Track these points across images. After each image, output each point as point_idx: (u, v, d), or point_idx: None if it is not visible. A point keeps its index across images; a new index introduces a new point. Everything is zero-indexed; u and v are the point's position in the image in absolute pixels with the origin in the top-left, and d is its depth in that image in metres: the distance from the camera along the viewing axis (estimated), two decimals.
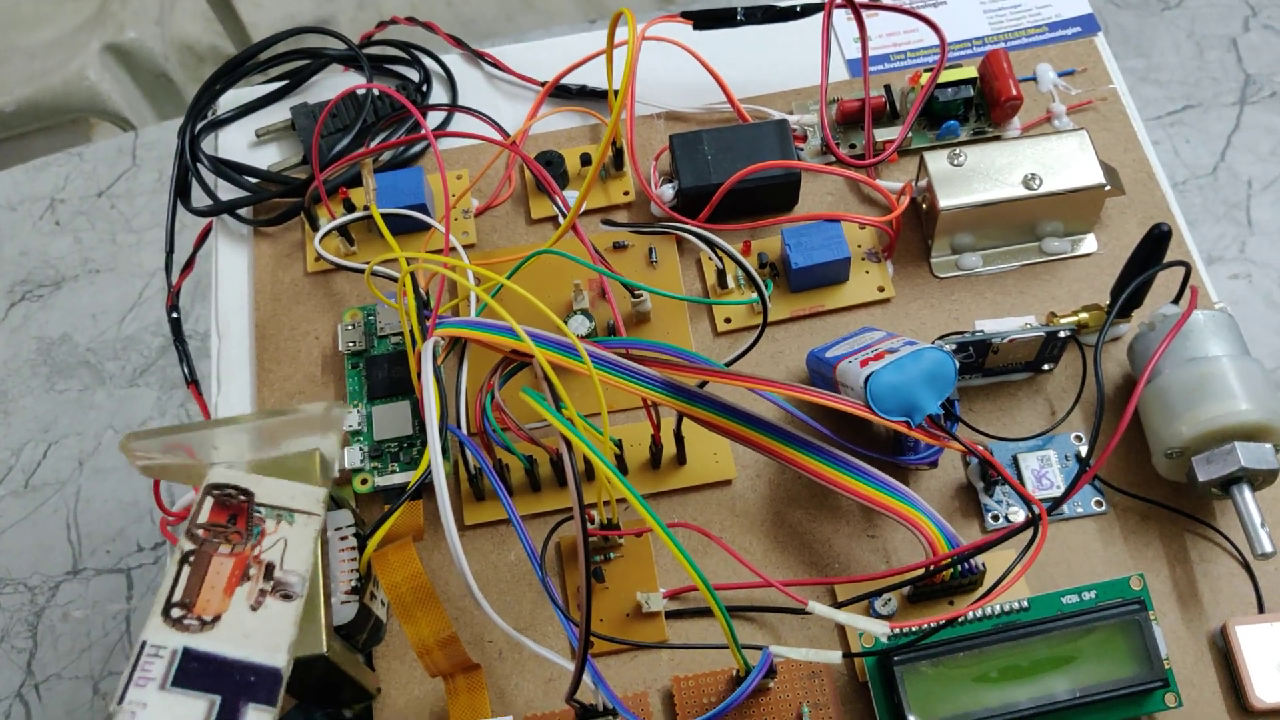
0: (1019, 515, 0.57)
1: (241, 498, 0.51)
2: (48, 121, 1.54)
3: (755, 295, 0.63)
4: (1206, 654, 0.54)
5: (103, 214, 1.32)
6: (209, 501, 0.51)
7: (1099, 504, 0.57)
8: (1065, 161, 0.61)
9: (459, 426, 0.57)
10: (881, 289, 0.63)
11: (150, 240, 1.29)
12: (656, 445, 0.58)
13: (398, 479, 0.59)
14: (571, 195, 0.67)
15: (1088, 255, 0.64)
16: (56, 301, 1.27)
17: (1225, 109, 1.31)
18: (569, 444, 0.46)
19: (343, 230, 0.65)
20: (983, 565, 0.54)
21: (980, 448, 0.54)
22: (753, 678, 0.47)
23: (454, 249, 0.64)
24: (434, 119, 0.71)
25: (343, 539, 0.53)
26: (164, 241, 0.68)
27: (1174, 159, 1.28)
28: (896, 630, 0.48)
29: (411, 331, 0.55)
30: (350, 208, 0.66)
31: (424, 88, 0.72)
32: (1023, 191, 0.61)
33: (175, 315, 0.69)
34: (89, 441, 1.19)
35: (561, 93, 0.71)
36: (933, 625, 0.50)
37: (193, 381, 0.68)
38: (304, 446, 0.53)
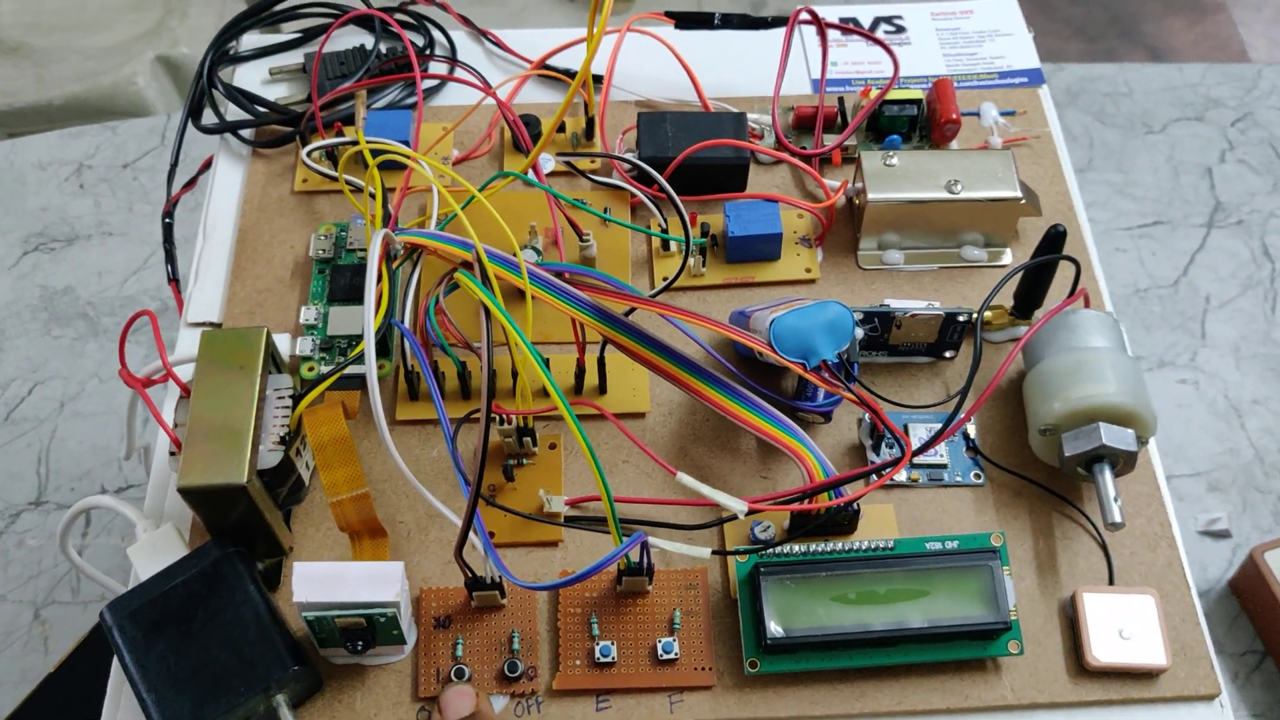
0: (902, 477, 0.62)
1: None
2: (91, 120, 1.64)
3: (692, 261, 0.68)
4: (1055, 618, 0.58)
5: (125, 184, 1.40)
6: None
7: (977, 476, 0.62)
8: (989, 174, 0.67)
9: (403, 323, 0.63)
10: (809, 270, 0.69)
11: None
12: (580, 368, 0.63)
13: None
14: (545, 159, 0.73)
15: (1003, 267, 0.69)
16: (67, 256, 1.33)
17: (1193, 229, 1.38)
18: (488, 312, 0.51)
19: (331, 157, 0.72)
20: (857, 507, 0.59)
21: (870, 398, 0.59)
22: (621, 549, 0.51)
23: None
24: (430, 81, 0.78)
25: (279, 398, 0.58)
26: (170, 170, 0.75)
27: (1139, 268, 1.34)
28: (753, 508, 0.53)
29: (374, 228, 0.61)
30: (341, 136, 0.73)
31: (428, 51, 0.79)
32: (944, 195, 0.67)
33: (169, 220, 0.75)
34: (74, 386, 1.24)
35: (552, 78, 0.78)
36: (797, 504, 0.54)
37: (174, 279, 0.74)
38: None
